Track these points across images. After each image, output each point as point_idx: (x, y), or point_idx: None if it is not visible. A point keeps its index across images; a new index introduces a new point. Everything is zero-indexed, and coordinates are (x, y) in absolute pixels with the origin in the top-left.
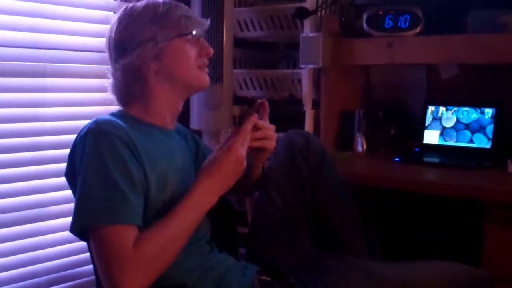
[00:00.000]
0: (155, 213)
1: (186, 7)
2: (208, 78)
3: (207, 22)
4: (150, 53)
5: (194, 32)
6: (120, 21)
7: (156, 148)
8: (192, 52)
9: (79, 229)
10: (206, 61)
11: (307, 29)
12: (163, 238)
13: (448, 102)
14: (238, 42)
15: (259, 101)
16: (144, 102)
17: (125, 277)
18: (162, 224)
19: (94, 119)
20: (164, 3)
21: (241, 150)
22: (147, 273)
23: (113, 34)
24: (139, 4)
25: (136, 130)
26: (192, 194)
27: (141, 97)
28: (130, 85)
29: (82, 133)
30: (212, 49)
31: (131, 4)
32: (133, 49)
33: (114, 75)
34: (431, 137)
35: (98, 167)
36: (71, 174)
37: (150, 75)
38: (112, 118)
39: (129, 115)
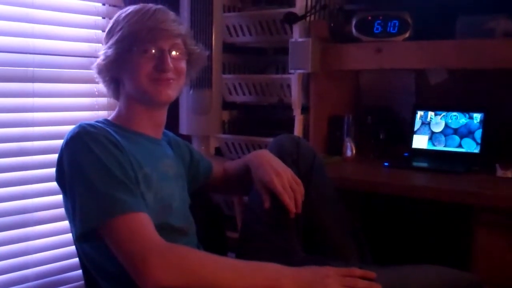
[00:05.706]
0: None
1: (167, 16)
2: (166, 91)
3: (179, 34)
4: (114, 57)
5: (153, 50)
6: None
7: (141, 154)
8: (146, 67)
9: (88, 228)
10: (162, 75)
11: (296, 34)
12: (203, 260)
13: (437, 107)
14: (227, 47)
15: None
16: (122, 109)
17: (152, 257)
18: (215, 256)
19: (77, 124)
20: (147, 11)
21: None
22: (174, 267)
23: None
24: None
25: (120, 136)
26: (269, 264)
27: (120, 103)
28: (109, 79)
29: (68, 137)
30: (169, 65)
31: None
32: (110, 44)
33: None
34: (420, 142)
35: (94, 165)
36: (61, 180)
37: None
38: (95, 123)
39: (112, 122)
